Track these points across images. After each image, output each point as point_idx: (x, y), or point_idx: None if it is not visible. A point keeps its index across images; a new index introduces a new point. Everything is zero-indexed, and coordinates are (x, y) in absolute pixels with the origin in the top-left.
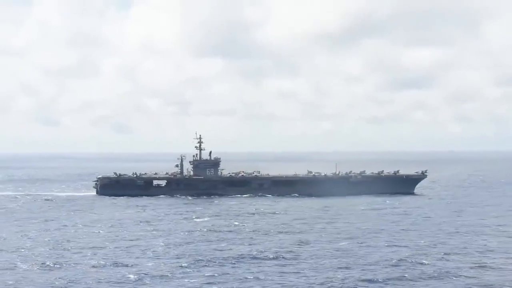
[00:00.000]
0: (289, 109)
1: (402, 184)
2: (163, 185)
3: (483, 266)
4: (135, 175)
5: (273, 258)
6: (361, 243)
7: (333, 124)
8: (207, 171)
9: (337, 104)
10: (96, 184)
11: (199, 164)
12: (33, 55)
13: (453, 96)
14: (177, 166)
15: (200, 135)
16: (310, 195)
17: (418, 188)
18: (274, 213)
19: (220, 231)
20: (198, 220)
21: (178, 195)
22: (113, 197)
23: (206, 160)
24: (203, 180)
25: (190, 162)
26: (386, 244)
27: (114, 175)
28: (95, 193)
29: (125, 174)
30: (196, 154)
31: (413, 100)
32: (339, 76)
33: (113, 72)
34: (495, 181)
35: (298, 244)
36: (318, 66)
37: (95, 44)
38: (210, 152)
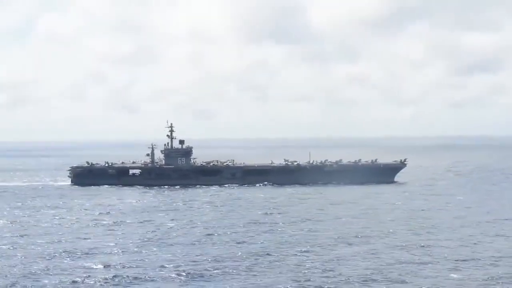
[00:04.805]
0: (366, 94)
1: (381, 173)
2: (138, 174)
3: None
4: (107, 164)
5: None
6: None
7: (415, 109)
8: (179, 160)
9: (413, 89)
10: (70, 173)
11: (170, 153)
12: (84, 43)
13: None
14: (148, 155)
15: (171, 123)
16: (282, 184)
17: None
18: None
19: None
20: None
21: (149, 185)
22: (85, 187)
23: (178, 149)
24: (175, 170)
25: (161, 151)
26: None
27: (86, 164)
28: (70, 182)
29: (97, 163)
30: (168, 143)
31: (488, 84)
32: (403, 61)
33: (175, 59)
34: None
35: None
36: (377, 50)
37: (144, 31)
38: (182, 141)
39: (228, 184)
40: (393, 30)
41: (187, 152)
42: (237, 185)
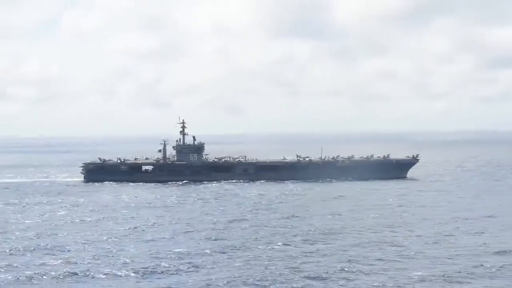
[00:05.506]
0: (396, 89)
1: (393, 169)
2: (150, 171)
3: None
4: (119, 161)
5: None
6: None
7: (445, 104)
8: (191, 156)
9: (442, 84)
10: (83, 170)
11: (182, 149)
12: (109, 39)
13: None
14: (160, 151)
15: (183, 119)
16: (294, 179)
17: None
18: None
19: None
20: None
21: (162, 182)
22: (98, 183)
23: (190, 145)
24: (187, 166)
25: (173, 147)
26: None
27: (99, 161)
28: (83, 179)
29: (110, 160)
30: (180, 139)
31: None
32: (430, 56)
33: (200, 54)
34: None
35: None
36: (404, 45)
37: (170, 27)
38: (194, 137)
39: (240, 180)
40: (419, 24)
41: (199, 148)
42: (249, 181)
